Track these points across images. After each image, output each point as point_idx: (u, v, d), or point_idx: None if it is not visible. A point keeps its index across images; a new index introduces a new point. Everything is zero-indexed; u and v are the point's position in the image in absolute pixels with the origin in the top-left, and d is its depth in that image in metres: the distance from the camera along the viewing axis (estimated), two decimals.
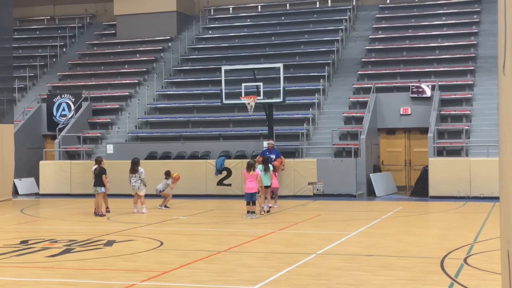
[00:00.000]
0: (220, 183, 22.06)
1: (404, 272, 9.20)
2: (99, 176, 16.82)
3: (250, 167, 15.84)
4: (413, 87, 23.35)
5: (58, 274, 9.42)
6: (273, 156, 19.23)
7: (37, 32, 35.16)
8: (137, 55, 31.19)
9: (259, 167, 16.53)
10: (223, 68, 22.35)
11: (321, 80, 25.67)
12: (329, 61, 26.83)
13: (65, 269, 9.78)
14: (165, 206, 18.33)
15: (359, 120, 23.47)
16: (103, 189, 16.73)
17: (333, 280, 8.72)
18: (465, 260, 10.01)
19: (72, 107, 26.71)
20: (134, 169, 17.41)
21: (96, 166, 17.06)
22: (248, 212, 15.83)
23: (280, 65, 21.63)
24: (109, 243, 12.17)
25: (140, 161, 18.29)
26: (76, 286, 8.55)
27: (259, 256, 10.79)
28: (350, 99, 24.88)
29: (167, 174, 18.45)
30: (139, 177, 17.32)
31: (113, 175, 19.61)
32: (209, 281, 8.74)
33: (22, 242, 12.37)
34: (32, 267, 9.94)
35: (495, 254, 10.13)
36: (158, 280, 8.83)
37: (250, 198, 15.83)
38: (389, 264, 9.85)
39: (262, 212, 16.50)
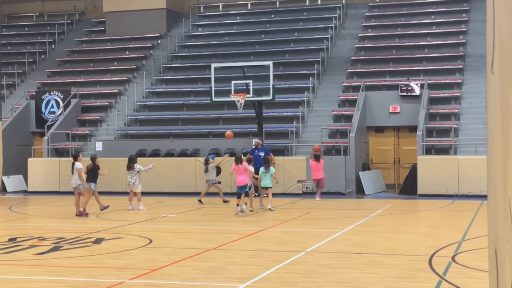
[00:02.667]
0: None
1: (393, 269, 9.24)
2: (92, 172, 16.61)
3: (238, 160, 16.18)
4: (402, 86, 23.42)
5: (46, 271, 9.39)
6: (262, 154, 19.31)
7: (26, 29, 34.99)
8: (126, 52, 31.09)
9: (261, 169, 16.90)
10: (213, 65, 22.32)
11: (310, 78, 25.70)
12: (318, 59, 26.86)
13: (54, 266, 9.75)
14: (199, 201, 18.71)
15: (348, 118, 23.52)
16: (93, 185, 16.55)
17: (322, 278, 8.74)
18: (453, 258, 10.06)
19: (61, 104, 26.59)
20: (129, 165, 17.40)
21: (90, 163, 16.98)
22: (238, 205, 15.91)
23: (270, 63, 21.64)
24: (98, 240, 12.14)
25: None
26: (64, 284, 8.52)
27: (248, 254, 10.79)
28: (340, 97, 24.92)
29: (206, 161, 19.01)
30: (136, 173, 17.32)
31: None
32: (198, 279, 8.74)
33: (10, 240, 12.31)
34: (20, 264, 9.90)
35: (483, 252, 10.17)
36: (147, 278, 8.82)
37: (241, 191, 15.94)
38: (378, 262, 9.88)
39: (250, 208, 16.48)
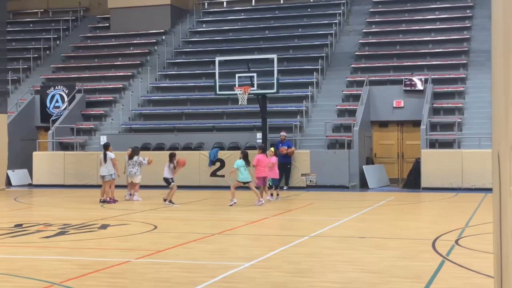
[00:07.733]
0: (213, 174, 22.12)
1: (396, 251, 9.31)
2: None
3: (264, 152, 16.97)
4: (406, 80, 23.47)
5: (53, 252, 9.48)
6: (285, 147, 19.45)
7: (31, 25, 35.11)
8: (131, 48, 31.19)
9: (238, 162, 16.02)
10: (217, 58, 22.37)
11: (314, 73, 25.75)
12: (322, 55, 26.91)
13: (61, 248, 9.83)
14: (170, 202, 16.17)
15: (352, 112, 23.57)
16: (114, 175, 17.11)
17: (326, 258, 8.81)
18: (456, 241, 10.12)
19: (66, 99, 26.69)
20: (132, 155, 17.49)
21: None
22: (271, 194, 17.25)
23: (274, 56, 21.66)
24: (103, 226, 12.22)
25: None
26: (71, 262, 8.61)
27: (253, 238, 10.87)
28: (343, 92, 24.98)
29: (171, 157, 16.61)
30: (137, 164, 17.39)
31: None
32: (204, 259, 8.81)
33: (16, 226, 12.40)
34: (28, 246, 9.98)
35: (486, 237, 10.25)
36: (153, 258, 8.90)
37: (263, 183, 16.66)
38: (381, 244, 9.95)
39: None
